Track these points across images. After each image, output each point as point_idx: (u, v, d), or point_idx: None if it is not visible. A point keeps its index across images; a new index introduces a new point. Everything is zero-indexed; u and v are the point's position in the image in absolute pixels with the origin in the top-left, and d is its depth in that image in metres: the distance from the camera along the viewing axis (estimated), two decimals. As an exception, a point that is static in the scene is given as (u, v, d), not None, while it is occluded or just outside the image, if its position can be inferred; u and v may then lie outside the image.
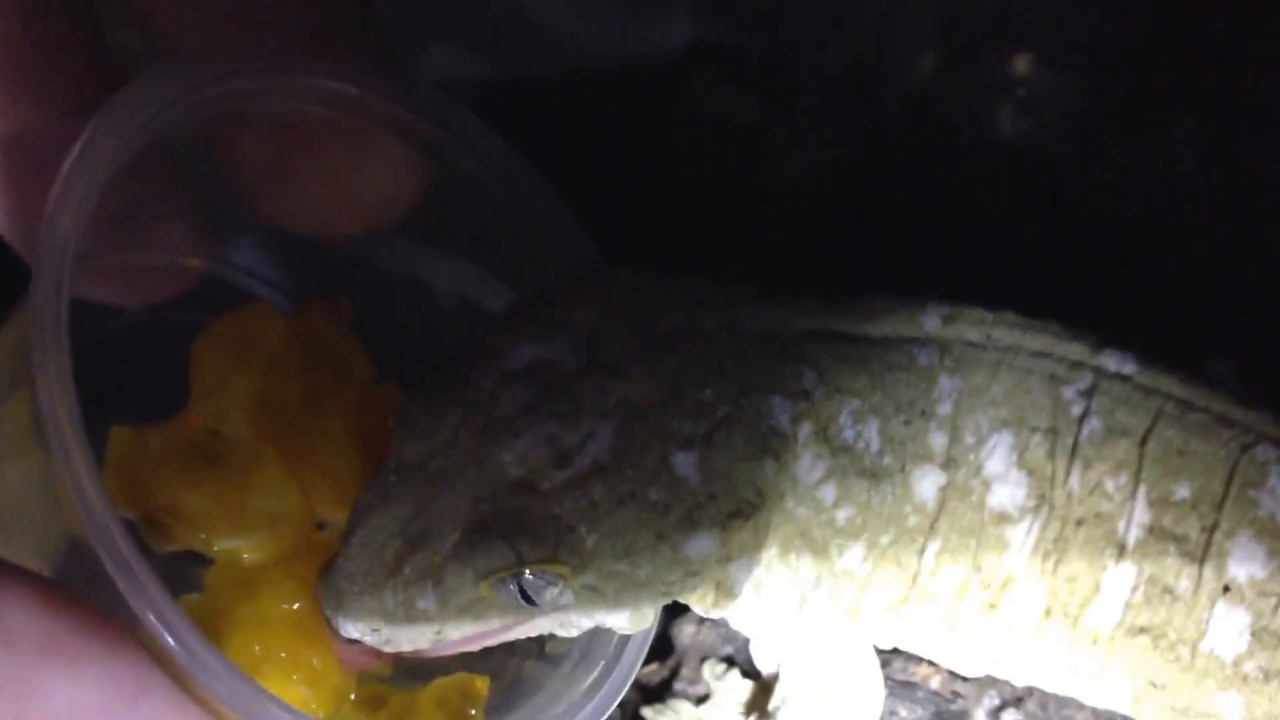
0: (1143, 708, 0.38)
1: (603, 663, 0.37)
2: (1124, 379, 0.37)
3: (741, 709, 0.45)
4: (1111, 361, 0.37)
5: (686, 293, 0.36)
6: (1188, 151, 0.52)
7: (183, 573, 0.35)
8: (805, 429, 0.35)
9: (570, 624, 0.35)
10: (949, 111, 0.54)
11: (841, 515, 0.36)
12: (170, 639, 0.29)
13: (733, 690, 0.46)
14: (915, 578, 0.37)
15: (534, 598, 0.33)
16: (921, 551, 0.37)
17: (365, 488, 0.34)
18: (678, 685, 0.46)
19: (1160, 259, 0.51)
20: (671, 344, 0.35)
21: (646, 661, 0.46)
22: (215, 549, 0.35)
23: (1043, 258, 0.51)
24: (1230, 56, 0.51)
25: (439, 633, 0.34)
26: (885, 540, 0.37)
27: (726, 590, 0.36)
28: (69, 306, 0.30)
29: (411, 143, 0.38)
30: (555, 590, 0.33)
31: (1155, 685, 0.38)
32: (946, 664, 0.41)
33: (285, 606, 0.34)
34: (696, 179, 0.53)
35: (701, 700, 0.46)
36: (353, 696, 0.35)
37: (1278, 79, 0.50)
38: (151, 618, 0.29)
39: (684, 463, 0.34)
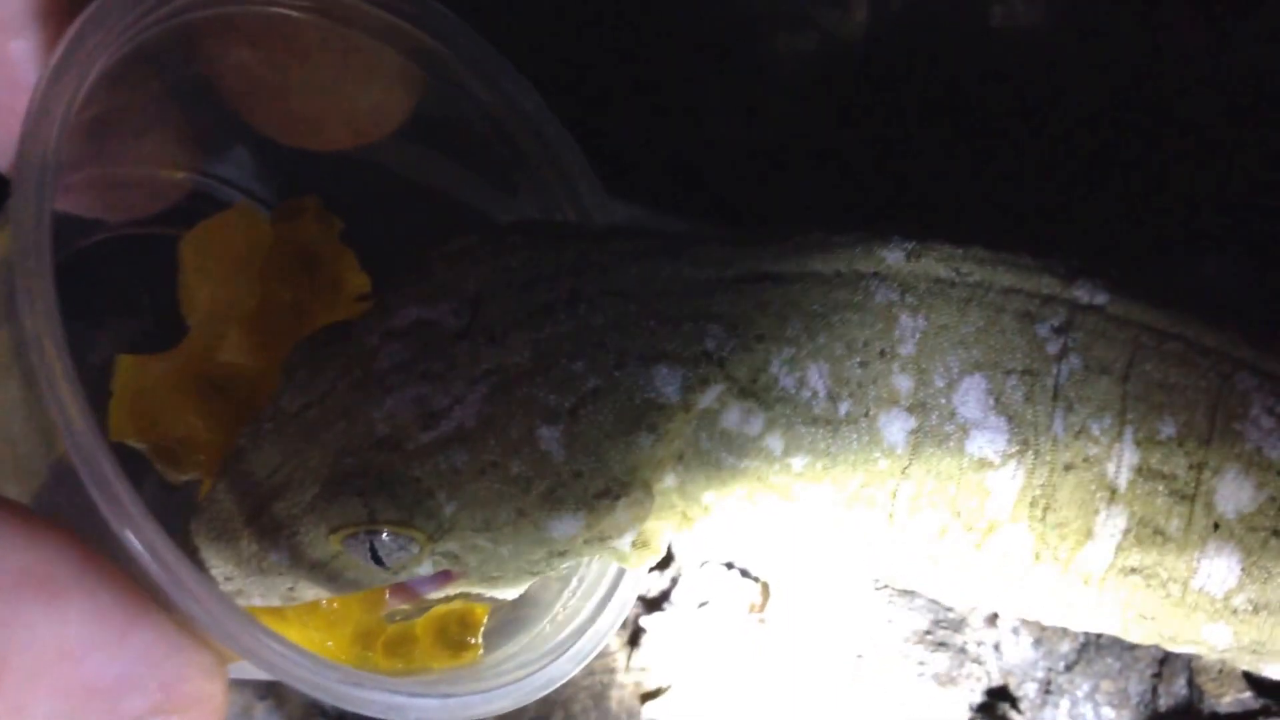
0: (1132, 632, 0.38)
1: (606, 583, 0.37)
2: (1097, 311, 0.36)
3: (741, 611, 0.45)
4: (1084, 293, 0.36)
5: (579, 255, 0.35)
6: (1191, 39, 0.50)
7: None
8: (712, 391, 0.34)
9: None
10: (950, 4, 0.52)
11: (797, 463, 0.35)
12: (152, 561, 0.28)
13: (733, 594, 0.46)
14: (891, 517, 0.36)
15: (385, 559, 0.33)
16: (894, 494, 0.35)
17: (240, 433, 0.34)
18: (677, 594, 0.46)
19: (1159, 149, 0.50)
20: (552, 312, 0.33)
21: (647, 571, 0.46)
22: None
23: (1043, 149, 0.50)
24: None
25: (291, 589, 0.33)
26: (855, 483, 0.35)
27: (644, 544, 0.35)
28: (51, 229, 0.29)
29: (404, 51, 0.37)
30: (407, 555, 0.33)
31: (1145, 617, 0.37)
32: (934, 596, 0.40)
33: None
34: (693, 72, 0.51)
35: (702, 606, 0.46)
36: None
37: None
38: (130, 536, 0.28)
39: (549, 437, 0.33)
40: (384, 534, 0.32)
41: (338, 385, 0.33)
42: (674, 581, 0.46)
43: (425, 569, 0.34)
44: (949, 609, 0.46)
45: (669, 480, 0.35)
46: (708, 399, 0.34)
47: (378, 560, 0.33)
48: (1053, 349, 0.35)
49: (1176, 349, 0.36)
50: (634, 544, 0.35)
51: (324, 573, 0.33)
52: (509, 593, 0.35)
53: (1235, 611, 0.37)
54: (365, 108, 0.37)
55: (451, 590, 0.35)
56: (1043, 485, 0.35)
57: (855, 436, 0.35)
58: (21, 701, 0.26)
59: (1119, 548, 0.36)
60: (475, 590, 0.35)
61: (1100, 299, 0.36)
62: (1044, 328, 0.35)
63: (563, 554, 0.34)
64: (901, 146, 0.51)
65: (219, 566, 0.33)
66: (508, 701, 0.34)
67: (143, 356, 0.35)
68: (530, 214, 0.40)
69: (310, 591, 0.34)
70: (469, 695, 0.33)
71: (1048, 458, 0.35)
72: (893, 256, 0.35)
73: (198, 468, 0.35)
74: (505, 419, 0.32)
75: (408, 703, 0.32)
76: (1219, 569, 0.36)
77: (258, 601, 0.33)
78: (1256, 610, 0.36)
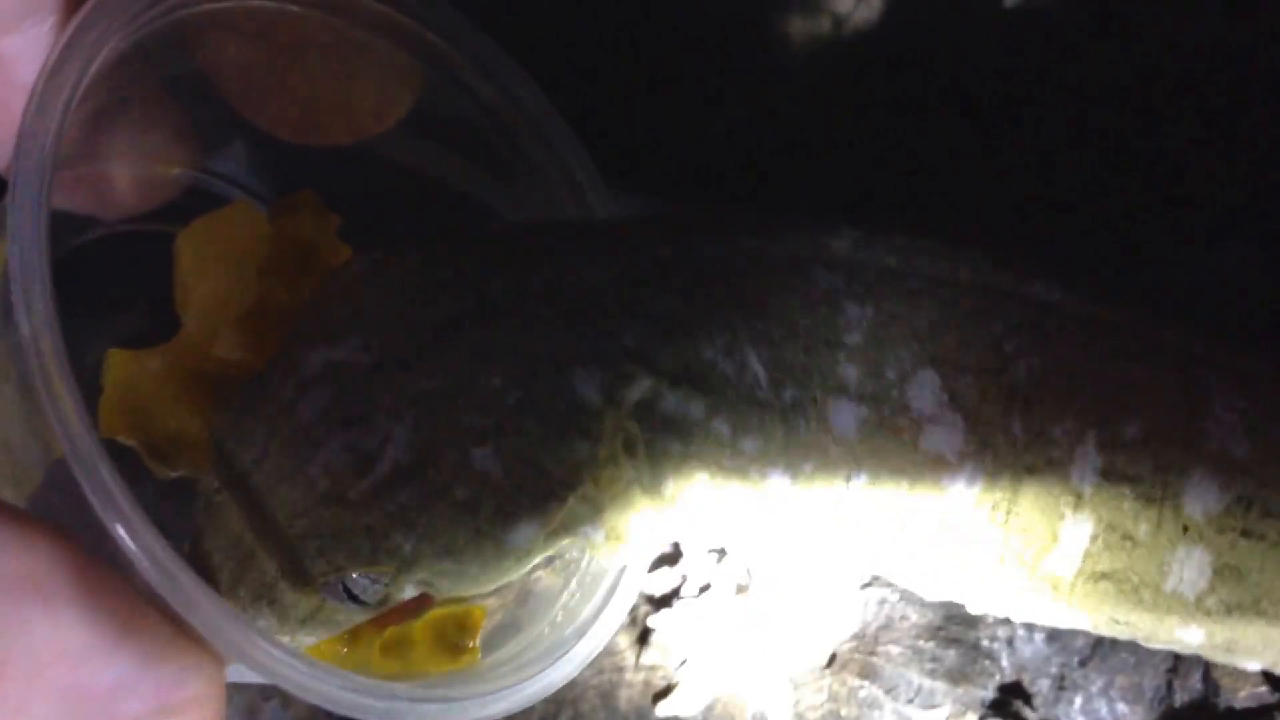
0: (1105, 633, 0.38)
1: (606, 585, 0.37)
2: (1053, 308, 0.35)
3: (750, 607, 0.45)
4: (1038, 291, 0.35)
5: (483, 260, 0.33)
6: (1212, 25, 0.50)
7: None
8: (639, 386, 0.33)
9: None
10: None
11: (748, 446, 0.34)
12: (149, 566, 0.28)
13: (742, 590, 0.46)
14: (845, 505, 0.35)
15: (361, 596, 0.32)
16: (848, 480, 0.34)
17: (194, 509, 0.33)
18: (685, 592, 0.46)
19: (1178, 134, 0.49)
20: (459, 325, 0.32)
21: (657, 567, 0.46)
22: None
23: (1060, 137, 0.50)
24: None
25: (290, 641, 0.33)
26: (808, 468, 0.34)
27: (616, 535, 0.34)
28: (49, 233, 0.28)
29: (404, 45, 0.37)
30: (383, 588, 0.32)
31: (1118, 622, 0.37)
32: (907, 587, 0.39)
33: None
34: (700, 61, 0.51)
35: (710, 602, 0.46)
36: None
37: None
38: (127, 540, 0.27)
39: (482, 457, 0.32)
40: (353, 574, 0.32)
41: (269, 449, 0.32)
42: (683, 579, 0.46)
43: (408, 592, 0.33)
44: (961, 604, 0.45)
45: (628, 474, 0.34)
46: (636, 393, 0.33)
47: (355, 599, 0.32)
48: (1009, 347, 0.34)
49: (1136, 346, 0.35)
50: (605, 535, 0.34)
51: (313, 625, 0.33)
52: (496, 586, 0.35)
53: (1209, 613, 0.36)
54: (364, 103, 0.37)
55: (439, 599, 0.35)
56: (1004, 488, 0.34)
57: (803, 423, 0.34)
58: (19, 705, 0.26)
59: (1086, 554, 0.35)
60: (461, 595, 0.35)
61: (1055, 296, 0.35)
62: (999, 325, 0.35)
63: (529, 553, 0.33)
64: (917, 135, 0.50)
65: None
66: (505, 705, 0.34)
67: (134, 351, 0.34)
68: (532, 209, 0.39)
69: (311, 638, 0.33)
70: (466, 699, 0.33)
71: (1008, 459, 0.34)
72: (837, 244, 0.34)
73: (188, 465, 0.34)
74: (437, 446, 0.31)
75: (405, 708, 0.31)
76: (1190, 572, 0.35)
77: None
78: (1229, 611, 0.36)
